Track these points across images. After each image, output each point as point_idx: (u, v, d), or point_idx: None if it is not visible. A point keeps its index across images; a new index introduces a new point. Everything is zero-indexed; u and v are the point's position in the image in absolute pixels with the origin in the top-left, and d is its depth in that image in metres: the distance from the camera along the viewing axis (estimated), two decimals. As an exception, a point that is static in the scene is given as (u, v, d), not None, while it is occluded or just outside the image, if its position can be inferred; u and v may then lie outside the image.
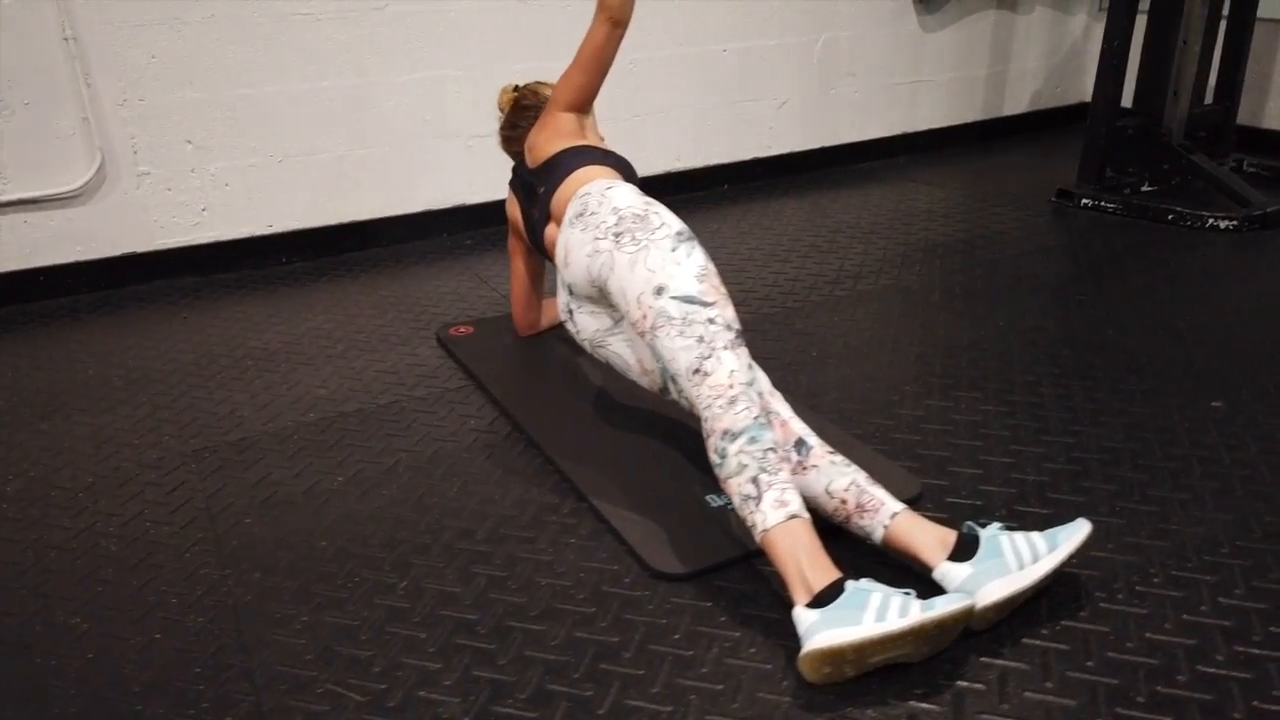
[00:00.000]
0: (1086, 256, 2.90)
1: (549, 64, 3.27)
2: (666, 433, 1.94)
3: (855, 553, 1.54)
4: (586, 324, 1.86)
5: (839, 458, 1.56)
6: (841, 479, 1.52)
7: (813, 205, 3.54)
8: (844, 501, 1.51)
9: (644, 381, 1.83)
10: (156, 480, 1.87)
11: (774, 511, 1.39)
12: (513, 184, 2.25)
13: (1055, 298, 2.58)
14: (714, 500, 1.70)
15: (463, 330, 2.50)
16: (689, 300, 1.62)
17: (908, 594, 1.34)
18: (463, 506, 1.75)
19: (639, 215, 1.74)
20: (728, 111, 3.74)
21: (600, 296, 1.79)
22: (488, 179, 3.36)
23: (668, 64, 3.54)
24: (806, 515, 1.41)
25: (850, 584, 1.32)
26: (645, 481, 1.77)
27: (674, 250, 1.68)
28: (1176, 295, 2.56)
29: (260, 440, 2.01)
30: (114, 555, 1.64)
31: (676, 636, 1.41)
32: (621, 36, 1.99)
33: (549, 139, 2.07)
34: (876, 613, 1.28)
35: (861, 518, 1.50)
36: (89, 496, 1.82)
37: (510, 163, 2.32)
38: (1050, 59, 4.52)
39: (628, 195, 1.80)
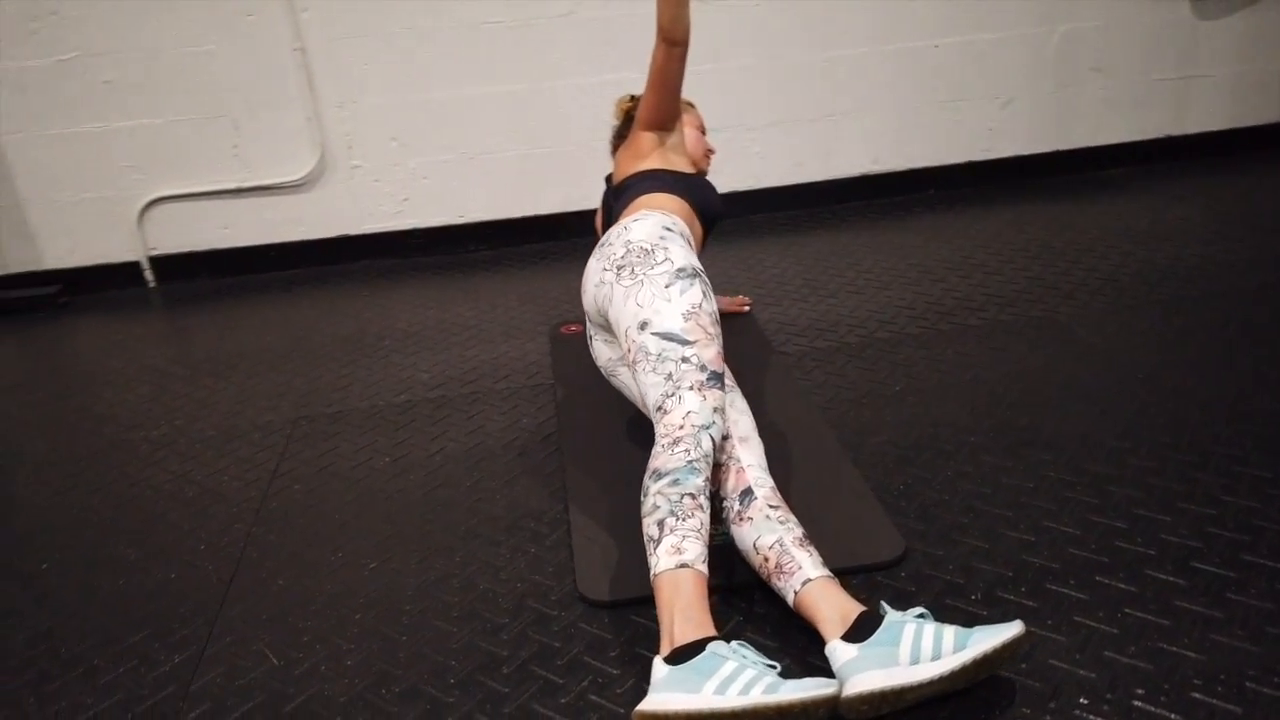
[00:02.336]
0: (1314, 300, 2.39)
1: (730, 63, 3.27)
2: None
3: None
4: (601, 351, 1.91)
5: (779, 514, 1.48)
6: (769, 536, 1.45)
7: (1015, 217, 3.21)
8: (766, 559, 1.44)
9: (647, 413, 1.84)
10: (256, 440, 2.19)
11: (666, 557, 1.36)
12: (604, 199, 2.30)
13: (1231, 351, 2.17)
14: (681, 532, 1.68)
15: (573, 329, 2.61)
16: (668, 337, 1.61)
17: (771, 667, 1.27)
18: (465, 500, 1.87)
19: (646, 250, 1.74)
20: (938, 111, 3.48)
21: (607, 325, 1.82)
22: (667, 178, 3.41)
23: (868, 61, 3.37)
24: (701, 567, 1.36)
25: (713, 646, 1.27)
26: (636, 503, 1.78)
27: (667, 287, 1.67)
28: (1401, 360, 2.06)
29: (350, 415, 2.26)
30: (187, 500, 1.96)
31: (560, 662, 1.43)
32: (682, 55, 1.95)
33: (629, 160, 2.10)
34: (720, 684, 1.22)
35: (779, 578, 1.42)
36: (203, 447, 2.17)
37: None
38: (1388, 48, 3.69)
39: (645, 228, 1.80)
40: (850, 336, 2.43)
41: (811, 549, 1.44)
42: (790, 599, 1.40)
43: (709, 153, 2.30)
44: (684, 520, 1.39)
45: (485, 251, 3.41)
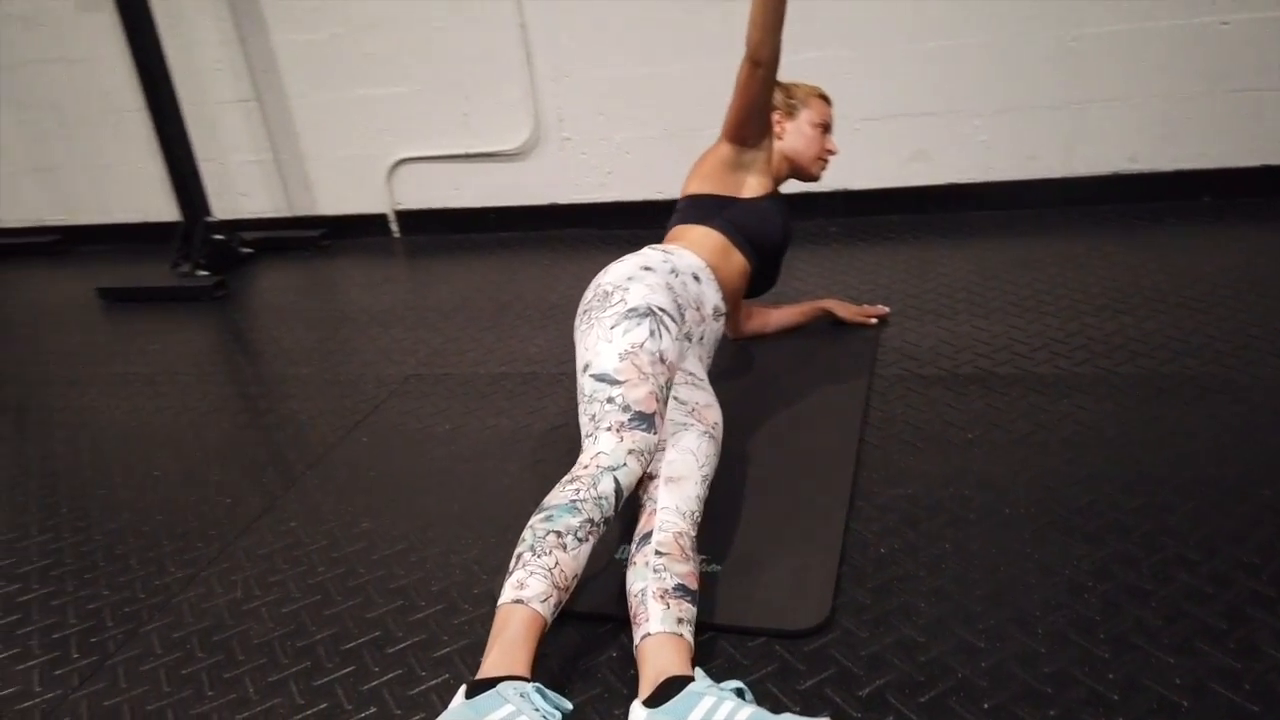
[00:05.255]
0: None
1: (959, 40, 2.96)
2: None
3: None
4: None
5: (661, 561, 1.38)
6: (638, 583, 1.37)
7: (1290, 241, 2.59)
8: (630, 606, 1.37)
9: None
10: (366, 391, 2.43)
11: (509, 590, 1.35)
12: None
13: None
14: (622, 551, 1.63)
15: (694, 320, 2.55)
16: (601, 378, 1.59)
17: (550, 716, 1.22)
18: (477, 478, 1.95)
19: (606, 293, 1.74)
20: (1225, 102, 2.87)
21: None
22: (872, 166, 3.18)
23: (1129, 39, 2.86)
24: (538, 607, 1.32)
25: (502, 686, 1.23)
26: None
27: (612, 328, 1.65)
28: None
29: (450, 379, 2.43)
30: (280, 438, 2.24)
31: (436, 655, 1.48)
32: (765, 77, 1.87)
33: (696, 172, 2.09)
34: (482, 734, 1.19)
35: (633, 627, 1.34)
36: (324, 390, 2.46)
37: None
38: None
39: (620, 270, 1.80)
40: (967, 367, 2.14)
41: (674, 603, 1.33)
42: (634, 650, 1.32)
43: (824, 155, 2.15)
44: (539, 557, 1.36)
45: (679, 229, 3.41)
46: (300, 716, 1.39)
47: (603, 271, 1.83)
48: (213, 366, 2.72)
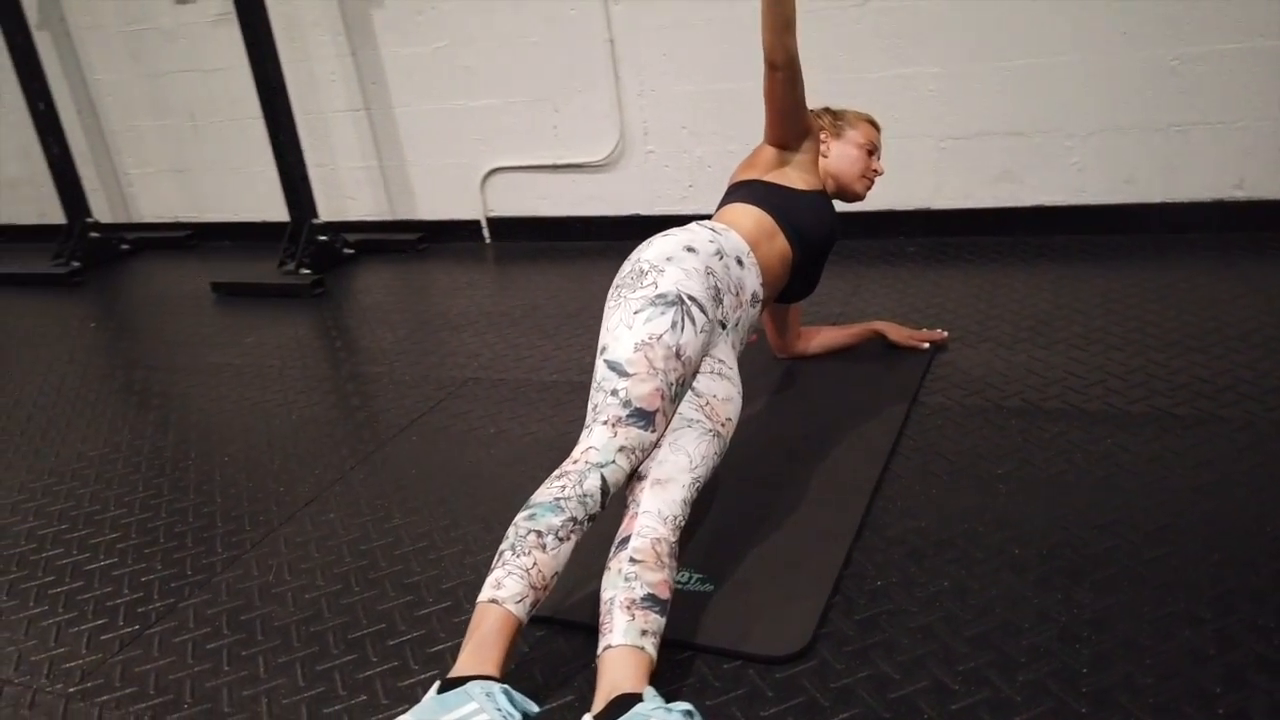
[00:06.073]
0: None
1: (1050, 59, 2.87)
2: (708, 495, 1.86)
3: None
4: None
5: (634, 569, 1.40)
6: (609, 590, 1.40)
7: (1404, 279, 2.39)
8: (600, 612, 1.40)
9: None
10: (426, 393, 2.54)
11: (487, 589, 1.40)
12: None
13: None
14: (624, 565, 1.66)
15: (752, 338, 2.55)
16: (612, 366, 1.60)
17: (511, 717, 1.26)
18: (508, 482, 2.02)
19: (640, 272, 1.70)
20: (1341, 127, 2.67)
21: None
22: (958, 184, 3.10)
23: (1241, 59, 2.69)
24: (513, 607, 1.36)
25: (471, 685, 1.28)
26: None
27: (636, 313, 1.63)
28: None
29: (505, 385, 2.51)
30: (342, 431, 2.37)
31: (431, 650, 1.55)
32: (785, 79, 1.86)
33: (744, 163, 2.10)
34: (450, 722, 1.25)
35: (599, 634, 1.37)
36: (391, 389, 2.58)
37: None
38: None
39: (662, 247, 1.75)
40: (1014, 399, 2.07)
41: (640, 614, 1.35)
42: (596, 659, 1.35)
43: (868, 175, 2.14)
44: (518, 557, 1.40)
45: (758, 244, 3.40)
46: (297, 697, 1.48)
47: (645, 244, 1.78)
48: (295, 361, 2.90)
